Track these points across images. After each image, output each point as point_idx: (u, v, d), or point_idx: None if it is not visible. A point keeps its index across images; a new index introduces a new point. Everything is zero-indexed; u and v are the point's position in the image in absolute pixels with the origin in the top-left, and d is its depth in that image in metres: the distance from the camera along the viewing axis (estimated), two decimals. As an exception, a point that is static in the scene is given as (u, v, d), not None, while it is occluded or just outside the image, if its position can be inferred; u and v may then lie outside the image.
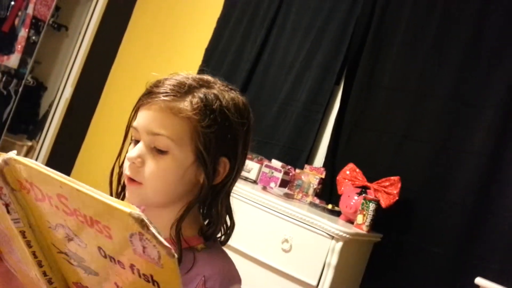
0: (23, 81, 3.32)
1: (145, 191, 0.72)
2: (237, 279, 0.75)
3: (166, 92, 0.72)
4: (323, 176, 2.17)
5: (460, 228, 1.91)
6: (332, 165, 2.25)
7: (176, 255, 0.44)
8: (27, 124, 3.70)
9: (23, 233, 0.53)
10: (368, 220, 1.85)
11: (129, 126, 0.77)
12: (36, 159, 3.37)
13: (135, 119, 0.76)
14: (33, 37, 3.28)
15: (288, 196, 2.11)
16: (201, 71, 2.87)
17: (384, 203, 1.92)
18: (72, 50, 3.46)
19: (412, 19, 2.21)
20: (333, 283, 1.72)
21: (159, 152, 0.72)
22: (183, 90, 0.73)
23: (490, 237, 1.86)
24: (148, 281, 0.48)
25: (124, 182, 0.77)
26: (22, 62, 3.30)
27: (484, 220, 1.88)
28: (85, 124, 3.45)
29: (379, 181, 1.98)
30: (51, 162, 3.38)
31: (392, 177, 1.95)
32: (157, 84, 0.75)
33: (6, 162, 0.50)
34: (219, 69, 2.81)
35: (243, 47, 2.78)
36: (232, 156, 0.76)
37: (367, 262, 2.03)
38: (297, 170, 2.25)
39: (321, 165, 2.29)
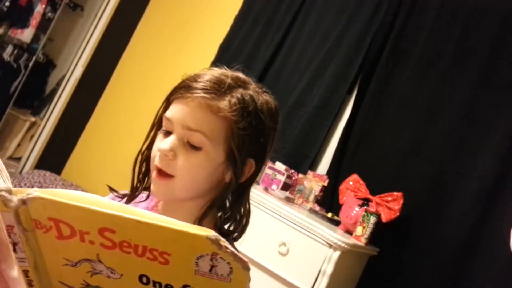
0: (34, 57, 3.32)
1: (174, 185, 0.72)
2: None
3: (206, 89, 0.71)
4: (325, 184, 2.17)
5: (457, 248, 1.92)
6: (336, 174, 2.25)
7: (250, 268, 0.45)
8: (32, 99, 3.69)
9: (26, 272, 0.53)
10: (368, 232, 1.86)
11: (159, 115, 0.76)
12: (39, 137, 3.36)
13: (166, 109, 0.76)
14: (49, 14, 3.27)
15: (288, 200, 2.11)
16: (214, 66, 2.88)
17: (384, 218, 1.92)
18: (86, 31, 3.45)
19: (431, 37, 2.21)
20: (327, 291, 1.72)
21: (192, 147, 0.72)
22: (222, 88, 0.72)
23: (485, 259, 1.86)
24: None
25: (145, 169, 0.77)
26: (35, 38, 3.29)
27: (482, 242, 1.89)
28: (91, 106, 3.44)
29: (382, 195, 1.98)
30: (53, 141, 3.37)
31: (395, 193, 1.95)
32: (196, 78, 0.74)
33: (24, 201, 0.48)
34: (231, 66, 2.80)
35: (258, 48, 2.78)
36: (260, 158, 0.77)
37: (361, 275, 2.03)
38: (300, 175, 2.25)
39: (325, 173, 2.29)
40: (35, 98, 3.71)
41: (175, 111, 0.73)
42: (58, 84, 3.55)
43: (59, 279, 0.53)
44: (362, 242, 1.86)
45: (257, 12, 2.86)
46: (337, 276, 1.76)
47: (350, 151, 2.27)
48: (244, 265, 0.45)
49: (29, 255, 0.51)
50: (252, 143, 0.74)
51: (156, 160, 0.73)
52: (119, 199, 0.81)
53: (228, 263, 0.45)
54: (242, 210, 0.78)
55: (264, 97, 0.77)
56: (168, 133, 0.74)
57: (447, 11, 2.21)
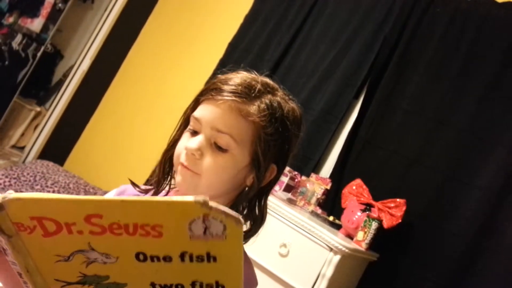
0: (43, 47, 3.32)
1: (199, 182, 0.73)
2: (255, 282, 0.76)
3: (237, 93, 0.72)
4: (328, 187, 2.17)
5: (456, 260, 1.92)
6: (339, 178, 2.25)
7: (243, 222, 0.45)
8: (38, 89, 3.70)
9: (19, 275, 0.52)
10: (369, 238, 1.86)
11: (187, 114, 0.78)
12: (44, 127, 3.36)
13: (194, 109, 0.76)
14: (60, 5, 3.27)
15: (290, 202, 2.11)
16: (222, 65, 2.89)
17: (386, 224, 1.92)
18: (96, 23, 3.46)
19: (440, 47, 2.21)
20: (325, 294, 1.72)
21: (219, 149, 0.73)
22: (252, 93, 0.73)
23: (485, 273, 1.86)
24: (202, 260, 0.48)
25: (168, 165, 0.79)
26: (45, 28, 3.29)
27: (481, 255, 1.89)
28: (97, 98, 3.44)
29: (385, 201, 1.98)
30: (57, 131, 3.37)
31: (398, 199, 1.95)
32: (227, 81, 0.74)
33: (1, 206, 0.46)
34: (239, 65, 2.80)
35: (266, 48, 2.78)
36: (281, 164, 0.78)
37: (359, 280, 2.03)
38: (303, 177, 2.25)
39: (328, 176, 2.29)
40: (41, 88, 3.72)
41: (204, 112, 0.74)
42: (65, 75, 3.55)
43: (55, 277, 0.53)
44: (362, 247, 1.86)
45: (267, 12, 2.86)
46: (336, 280, 1.76)
47: (354, 155, 2.26)
48: (236, 220, 0.45)
49: (19, 260, 0.51)
50: (277, 148, 0.75)
51: (181, 157, 0.74)
52: (143, 194, 0.82)
53: (220, 221, 0.45)
54: (259, 214, 0.79)
55: (291, 105, 0.79)
56: (195, 133, 0.75)
57: (457, 21, 2.21)
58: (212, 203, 0.44)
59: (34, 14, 3.19)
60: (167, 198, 0.46)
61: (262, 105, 0.73)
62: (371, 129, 2.25)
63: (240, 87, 0.73)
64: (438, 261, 1.95)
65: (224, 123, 0.72)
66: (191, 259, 0.48)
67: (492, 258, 1.86)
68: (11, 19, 3.15)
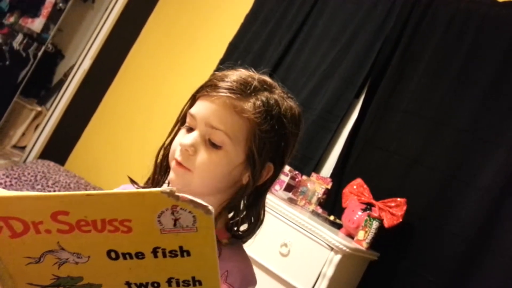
0: (44, 47, 3.32)
1: (192, 178, 0.73)
2: (254, 281, 0.76)
3: (232, 89, 0.72)
4: (329, 187, 2.17)
5: (456, 260, 1.91)
6: (340, 178, 2.25)
7: (213, 211, 0.44)
8: (39, 89, 3.70)
9: None
10: (369, 237, 1.86)
11: (183, 111, 0.77)
12: (44, 127, 3.36)
13: (191, 106, 0.76)
14: (60, 4, 3.28)
15: (291, 201, 2.11)
16: (222, 64, 2.89)
17: (387, 223, 1.92)
18: (96, 23, 3.46)
19: (440, 47, 2.21)
20: (326, 294, 1.72)
21: (213, 145, 0.72)
22: (248, 90, 0.73)
23: (485, 273, 1.86)
24: (176, 256, 0.47)
25: (166, 163, 0.78)
26: (45, 27, 3.30)
27: (481, 255, 1.88)
28: (97, 98, 3.44)
29: (385, 200, 1.98)
30: (58, 131, 3.37)
31: (399, 199, 1.95)
32: (223, 78, 0.74)
33: None
34: (239, 65, 2.81)
35: (267, 48, 2.78)
36: (278, 162, 0.77)
37: (360, 279, 2.03)
38: (304, 177, 2.25)
39: (329, 176, 2.29)
40: (42, 88, 3.72)
41: (199, 108, 0.74)
42: (66, 75, 3.56)
43: (27, 281, 0.51)
44: (363, 246, 1.86)
45: (267, 12, 2.86)
46: (337, 279, 1.76)
47: (355, 155, 2.26)
48: (205, 210, 0.44)
49: None
50: (273, 147, 0.74)
51: (176, 153, 0.74)
52: None
53: (189, 212, 0.44)
54: (256, 214, 0.78)
55: (289, 103, 0.78)
56: (191, 129, 0.75)
57: (458, 22, 2.21)
58: (180, 193, 0.43)
59: (34, 14, 3.20)
60: (133, 190, 0.45)
61: (258, 102, 0.72)
62: (371, 128, 2.25)
63: (235, 83, 0.72)
64: (438, 261, 1.95)
65: (218, 119, 0.71)
66: (164, 255, 0.47)
67: (492, 258, 1.85)
68: (11, 19, 3.16)
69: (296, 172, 2.26)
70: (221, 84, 0.73)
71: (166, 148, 0.80)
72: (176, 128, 0.79)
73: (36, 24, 3.22)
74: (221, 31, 3.05)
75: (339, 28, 2.55)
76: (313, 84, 2.50)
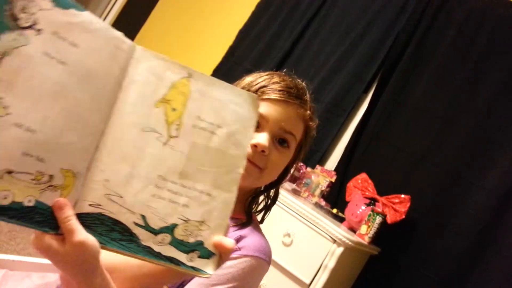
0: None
1: (262, 176, 0.79)
2: (268, 258, 0.83)
3: (300, 98, 0.82)
4: (333, 180, 2.17)
5: (457, 259, 1.92)
6: (344, 171, 2.25)
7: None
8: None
9: None
10: (372, 232, 1.86)
11: None
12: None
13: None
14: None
15: (295, 193, 2.11)
16: (231, 52, 2.87)
17: (390, 219, 1.92)
18: (105, 5, 3.43)
19: (453, 45, 2.20)
20: (326, 285, 1.73)
21: (280, 144, 0.80)
22: (306, 99, 0.84)
23: (485, 275, 1.86)
24: None
25: None
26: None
27: (482, 256, 1.89)
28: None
29: (389, 196, 1.99)
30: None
31: (403, 195, 1.95)
32: (290, 85, 0.82)
33: None
34: (249, 53, 2.80)
35: (277, 37, 2.76)
36: (298, 159, 0.88)
37: (360, 273, 2.04)
38: (308, 169, 2.25)
39: (333, 169, 2.29)
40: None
41: (272, 112, 0.79)
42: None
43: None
44: (365, 240, 1.86)
45: (279, 2, 2.85)
46: (338, 271, 1.77)
47: (361, 150, 2.26)
48: None
49: None
50: (307, 147, 0.87)
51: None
52: None
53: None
54: (273, 196, 0.89)
55: (316, 107, 0.89)
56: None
57: (471, 21, 2.19)
58: None
59: None
60: None
61: (310, 111, 0.84)
62: (379, 124, 2.25)
63: (301, 91, 0.83)
64: (438, 259, 1.95)
65: (292, 125, 0.80)
66: None
67: (494, 259, 1.86)
68: None
69: (301, 164, 2.26)
70: (292, 91, 0.81)
71: None
72: None
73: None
74: (231, 19, 3.04)
75: (351, 21, 2.54)
76: (322, 76, 2.49)
